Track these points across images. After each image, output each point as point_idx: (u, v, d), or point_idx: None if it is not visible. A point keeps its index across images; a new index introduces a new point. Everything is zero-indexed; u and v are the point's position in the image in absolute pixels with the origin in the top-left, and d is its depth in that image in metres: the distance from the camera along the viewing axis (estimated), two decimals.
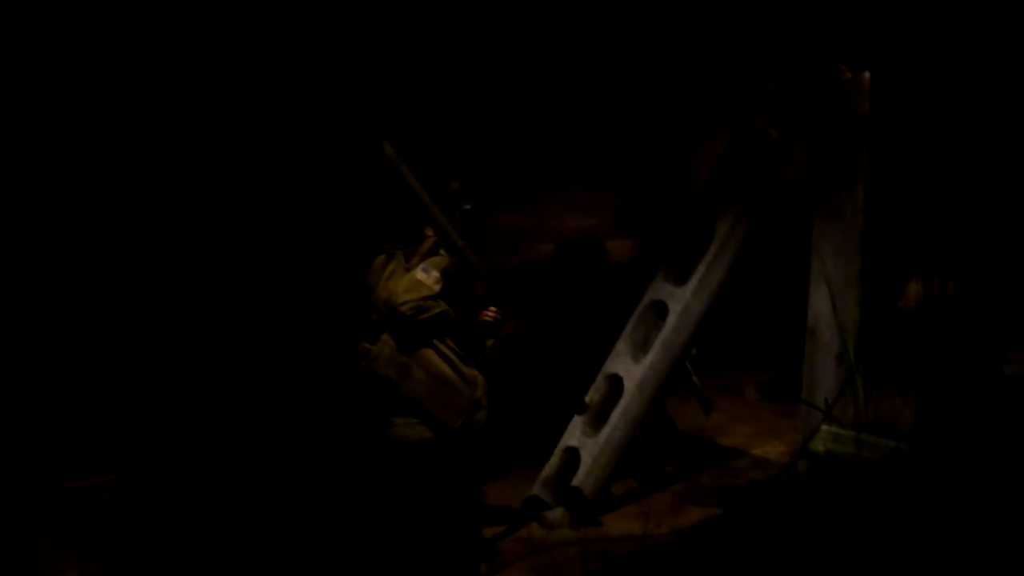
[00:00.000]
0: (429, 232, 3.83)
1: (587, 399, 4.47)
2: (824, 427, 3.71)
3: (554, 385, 3.86)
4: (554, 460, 4.61)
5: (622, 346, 4.64)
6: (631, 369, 4.56)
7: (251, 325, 4.67)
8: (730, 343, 6.55)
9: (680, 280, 4.59)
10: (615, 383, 4.60)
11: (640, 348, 4.61)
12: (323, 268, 4.77)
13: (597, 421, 4.58)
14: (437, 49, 5.61)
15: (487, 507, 4.74)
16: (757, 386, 6.55)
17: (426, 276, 3.68)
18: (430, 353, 3.74)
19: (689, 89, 6.29)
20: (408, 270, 3.75)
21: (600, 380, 4.65)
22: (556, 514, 4.47)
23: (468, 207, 3.84)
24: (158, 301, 4.48)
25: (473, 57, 5.85)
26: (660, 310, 4.61)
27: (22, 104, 4.20)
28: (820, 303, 4.28)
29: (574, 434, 4.60)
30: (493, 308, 3.86)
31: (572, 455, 4.56)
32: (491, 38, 5.87)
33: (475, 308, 3.86)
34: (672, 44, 5.90)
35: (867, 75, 4.29)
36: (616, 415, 4.51)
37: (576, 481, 4.46)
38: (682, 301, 4.53)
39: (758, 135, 4.62)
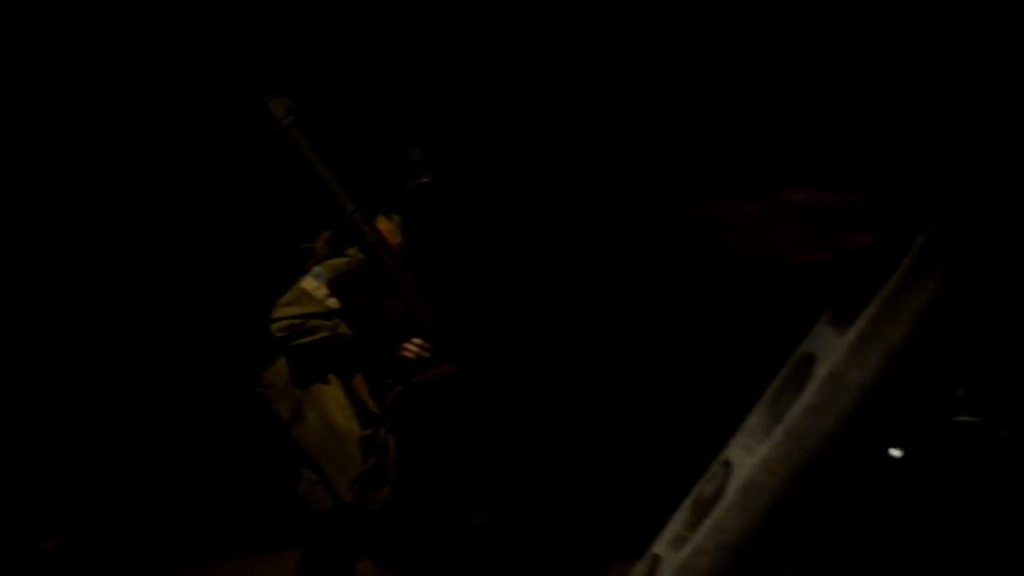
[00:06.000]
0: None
1: (696, 493, 2.93)
2: None
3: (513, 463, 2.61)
4: (640, 567, 3.08)
5: (754, 420, 2.87)
6: (745, 461, 2.79)
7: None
8: None
9: (844, 325, 2.64)
10: (729, 475, 2.87)
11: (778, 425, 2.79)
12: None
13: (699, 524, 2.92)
14: None
15: None
16: None
17: (315, 285, 2.61)
18: (325, 393, 2.68)
19: None
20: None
21: (716, 467, 2.95)
22: None
23: (426, 180, 2.64)
24: None
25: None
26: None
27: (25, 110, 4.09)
28: None
29: (668, 535, 3.01)
30: (418, 340, 2.61)
31: (657, 567, 3.00)
32: None
33: (398, 337, 2.65)
34: None
35: None
36: (704, 530, 2.81)
37: None
38: (832, 361, 2.59)
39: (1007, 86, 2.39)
